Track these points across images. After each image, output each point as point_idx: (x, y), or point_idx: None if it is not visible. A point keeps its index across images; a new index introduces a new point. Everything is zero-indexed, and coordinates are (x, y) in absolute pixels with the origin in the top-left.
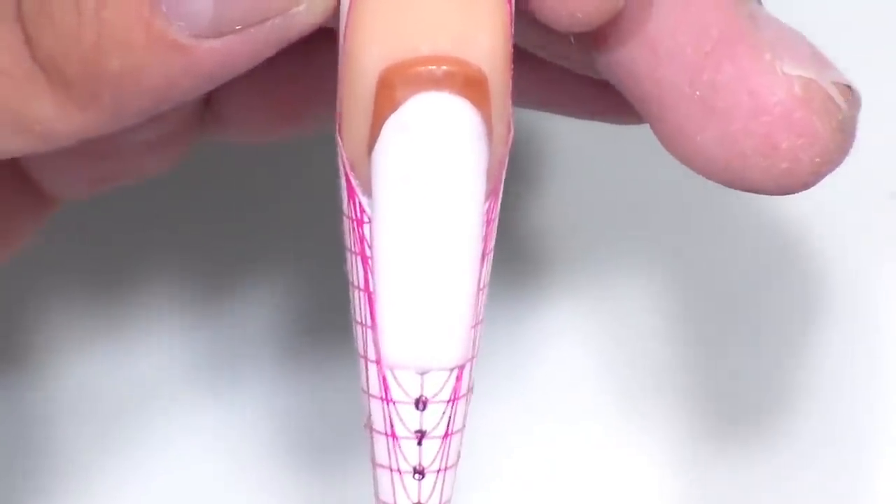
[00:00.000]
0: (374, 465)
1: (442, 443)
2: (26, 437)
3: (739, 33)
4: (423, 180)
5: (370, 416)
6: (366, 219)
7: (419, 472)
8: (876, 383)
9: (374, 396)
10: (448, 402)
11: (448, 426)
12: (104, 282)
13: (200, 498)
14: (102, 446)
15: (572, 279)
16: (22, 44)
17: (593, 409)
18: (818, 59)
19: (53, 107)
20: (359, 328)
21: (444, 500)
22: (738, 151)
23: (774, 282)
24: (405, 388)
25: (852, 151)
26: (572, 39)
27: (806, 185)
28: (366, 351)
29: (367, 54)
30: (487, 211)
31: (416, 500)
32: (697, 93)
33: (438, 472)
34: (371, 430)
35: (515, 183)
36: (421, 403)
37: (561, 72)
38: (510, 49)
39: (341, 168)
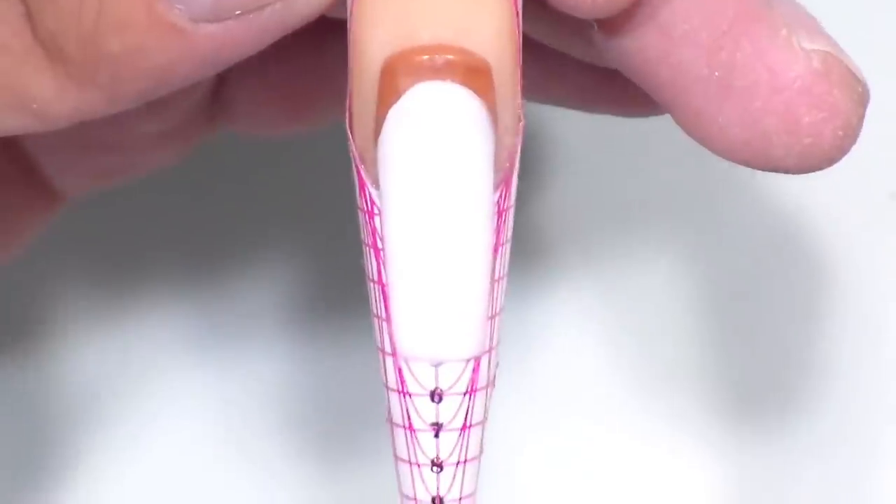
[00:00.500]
0: (395, 458)
1: (460, 435)
2: (31, 414)
3: (755, 11)
4: (426, 170)
5: (390, 409)
6: (376, 210)
7: (437, 465)
8: (877, 382)
9: (391, 389)
10: (465, 394)
11: (466, 418)
12: (109, 261)
13: (203, 478)
14: (105, 428)
15: (580, 271)
16: (23, 20)
17: (601, 405)
18: (830, 37)
19: (51, 85)
20: (375, 321)
21: (464, 493)
22: (759, 130)
23: (774, 281)
24: (420, 380)
25: (852, 151)
26: (595, 26)
27: (830, 160)
28: (383, 343)
29: (371, 43)
30: (498, 201)
31: (434, 494)
32: (716, 73)
33: (458, 464)
34: (391, 423)
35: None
36: (437, 396)
37: (566, 62)
38: (517, 38)
39: (352, 160)
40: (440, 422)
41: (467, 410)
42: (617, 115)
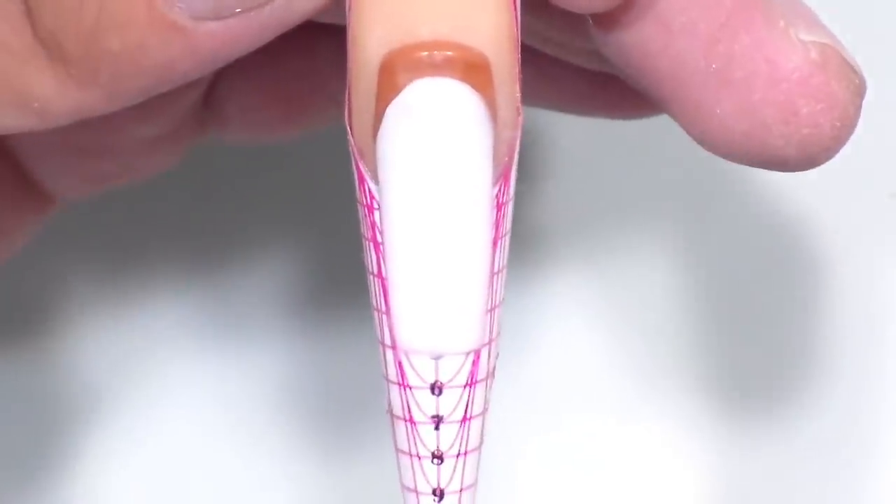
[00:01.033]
0: (396, 450)
1: (460, 427)
2: (32, 410)
3: (752, 2)
4: (426, 165)
5: (390, 402)
6: (376, 205)
7: (437, 457)
8: (877, 382)
9: (392, 382)
10: (465, 386)
11: (466, 411)
12: (109, 258)
13: (204, 471)
14: (106, 423)
15: (579, 264)
16: (23, 18)
17: (599, 397)
18: (828, 28)
19: (52, 83)
20: (375, 314)
21: (465, 485)
22: (758, 121)
23: (774, 280)
24: (420, 373)
25: (852, 152)
26: (590, 21)
27: (828, 150)
28: (383, 336)
29: (370, 39)
30: (497, 195)
31: (435, 486)
32: (714, 66)
33: (458, 456)
34: (392, 415)
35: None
36: (437, 388)
37: (561, 66)
38: (515, 33)
39: (351, 155)
40: (440, 414)
41: (467, 402)
42: (612, 119)
